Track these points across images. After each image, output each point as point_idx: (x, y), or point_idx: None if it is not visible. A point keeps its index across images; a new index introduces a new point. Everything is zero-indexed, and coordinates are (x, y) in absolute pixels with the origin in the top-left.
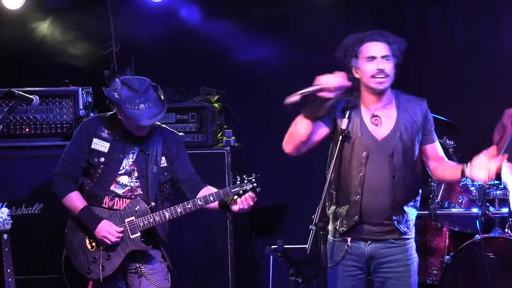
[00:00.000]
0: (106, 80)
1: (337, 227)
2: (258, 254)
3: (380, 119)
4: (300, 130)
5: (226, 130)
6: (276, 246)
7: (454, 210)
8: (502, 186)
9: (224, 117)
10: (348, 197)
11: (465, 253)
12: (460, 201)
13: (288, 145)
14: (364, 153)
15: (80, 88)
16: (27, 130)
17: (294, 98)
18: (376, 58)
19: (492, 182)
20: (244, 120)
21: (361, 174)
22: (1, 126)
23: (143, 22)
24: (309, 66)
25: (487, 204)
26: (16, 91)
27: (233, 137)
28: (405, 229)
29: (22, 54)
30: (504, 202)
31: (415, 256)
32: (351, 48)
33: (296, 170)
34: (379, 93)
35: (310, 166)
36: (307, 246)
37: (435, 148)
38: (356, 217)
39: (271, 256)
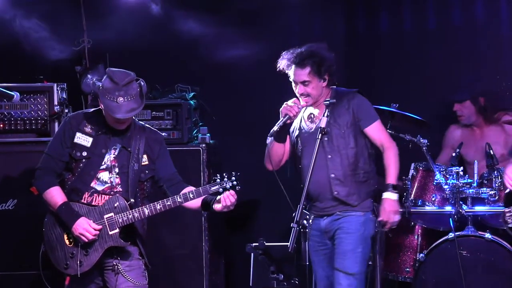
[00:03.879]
0: (78, 76)
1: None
2: (233, 251)
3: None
4: (278, 152)
5: (201, 127)
6: (258, 244)
7: (427, 208)
8: (474, 184)
9: (199, 114)
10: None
11: (438, 251)
12: (433, 199)
13: (270, 165)
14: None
15: (55, 84)
16: (1, 126)
17: (276, 130)
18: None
19: (465, 181)
20: (218, 117)
21: None
22: None
23: (117, 17)
24: None
25: (460, 202)
26: None
27: (209, 134)
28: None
29: None
30: (476, 200)
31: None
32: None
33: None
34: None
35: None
36: (288, 243)
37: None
38: None
39: (252, 254)
